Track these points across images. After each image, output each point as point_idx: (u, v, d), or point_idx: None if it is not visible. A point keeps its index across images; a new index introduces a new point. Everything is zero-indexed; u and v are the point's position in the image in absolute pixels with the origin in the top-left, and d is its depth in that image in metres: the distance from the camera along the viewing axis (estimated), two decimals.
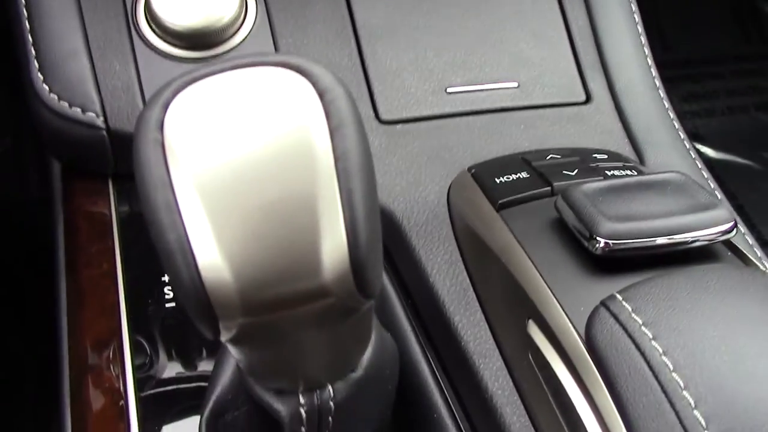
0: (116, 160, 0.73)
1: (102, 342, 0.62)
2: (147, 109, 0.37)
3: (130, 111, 0.71)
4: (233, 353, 0.45)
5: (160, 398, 0.60)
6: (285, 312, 0.38)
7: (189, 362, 0.62)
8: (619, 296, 0.52)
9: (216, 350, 0.59)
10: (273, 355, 0.43)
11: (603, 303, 0.52)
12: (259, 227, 0.36)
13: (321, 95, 0.37)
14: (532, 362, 0.56)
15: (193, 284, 0.36)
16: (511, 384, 0.57)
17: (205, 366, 0.62)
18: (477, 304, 0.62)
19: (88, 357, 0.61)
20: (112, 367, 0.60)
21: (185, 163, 0.36)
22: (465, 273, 0.64)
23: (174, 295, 0.66)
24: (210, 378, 0.57)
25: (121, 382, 0.59)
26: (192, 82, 0.38)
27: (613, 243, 0.55)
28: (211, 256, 0.36)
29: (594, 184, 0.60)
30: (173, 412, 0.59)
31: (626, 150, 0.75)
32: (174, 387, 0.61)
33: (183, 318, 0.64)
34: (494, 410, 0.57)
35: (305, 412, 0.46)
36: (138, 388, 0.59)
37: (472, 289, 0.63)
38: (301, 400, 0.46)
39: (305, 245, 0.36)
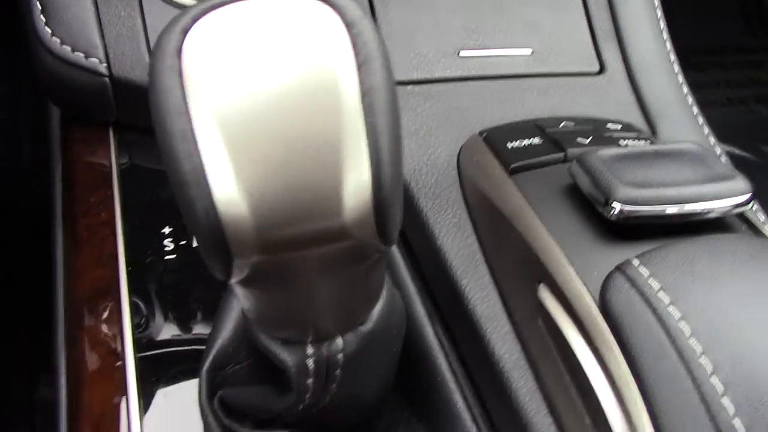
0: (118, 109, 0.71)
1: (99, 292, 0.60)
2: (164, 35, 0.35)
3: (135, 59, 0.69)
4: (241, 298, 0.44)
5: (157, 355, 0.58)
6: (302, 252, 0.36)
7: (189, 316, 0.61)
8: (635, 261, 0.50)
9: (217, 304, 0.57)
10: (284, 299, 0.41)
11: (619, 267, 0.51)
12: (280, 162, 0.34)
13: (348, 27, 0.35)
14: (542, 327, 0.55)
15: (207, 218, 0.34)
16: (519, 348, 0.56)
17: (205, 320, 0.60)
18: (485, 267, 0.60)
19: (84, 308, 0.60)
20: (108, 321, 0.59)
21: (203, 92, 0.34)
22: (474, 236, 0.62)
23: (175, 243, 0.64)
24: (211, 331, 0.56)
25: (118, 338, 0.58)
26: (212, 8, 0.36)
27: (628, 209, 0.54)
28: (229, 190, 0.34)
29: (610, 151, 0.58)
30: (171, 369, 0.58)
31: (639, 122, 0.74)
32: (173, 344, 0.59)
33: (183, 271, 0.63)
34: (500, 374, 0.55)
35: (313, 363, 0.44)
36: (135, 344, 0.58)
37: (480, 252, 0.61)
38: (310, 350, 0.44)
39: (327, 183, 0.35)
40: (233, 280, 0.38)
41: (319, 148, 0.35)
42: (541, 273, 0.55)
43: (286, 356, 0.45)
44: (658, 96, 0.76)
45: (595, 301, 0.51)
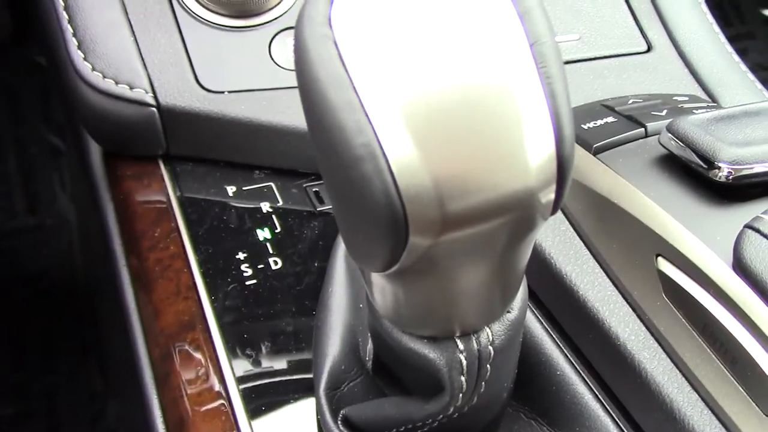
0: (167, 140, 0.67)
1: (184, 326, 0.56)
2: (308, 6, 0.32)
3: (181, 85, 0.66)
4: (385, 296, 0.41)
5: (260, 384, 0.54)
6: (480, 226, 0.33)
7: (285, 340, 0.57)
8: (766, 216, 0.48)
9: (310, 324, 0.54)
10: (440, 288, 0.38)
11: (749, 225, 0.48)
12: (457, 122, 0.31)
13: None
14: (667, 301, 0.52)
15: (385, 194, 0.31)
16: (644, 328, 0.53)
17: (302, 342, 0.57)
18: (587, 251, 0.58)
19: (170, 344, 0.55)
20: (201, 354, 0.55)
21: (364, 60, 0.31)
22: (566, 222, 0.60)
23: (253, 268, 0.60)
24: (315, 351, 0.52)
25: (215, 371, 0.54)
26: None
27: (737, 168, 0.52)
28: (408, 160, 0.31)
29: (701, 115, 0.57)
30: (278, 397, 0.54)
31: (699, 94, 0.72)
32: (274, 371, 0.55)
33: (268, 294, 0.59)
34: (629, 358, 0.52)
35: (465, 358, 0.41)
36: (235, 375, 0.54)
37: (578, 237, 0.59)
38: (460, 345, 0.41)
39: (510, 141, 0.32)
40: (391, 271, 0.35)
41: (497, 104, 0.32)
42: (657, 246, 0.53)
43: (436, 355, 0.41)
44: (712, 66, 0.75)
45: (726, 262, 0.49)
